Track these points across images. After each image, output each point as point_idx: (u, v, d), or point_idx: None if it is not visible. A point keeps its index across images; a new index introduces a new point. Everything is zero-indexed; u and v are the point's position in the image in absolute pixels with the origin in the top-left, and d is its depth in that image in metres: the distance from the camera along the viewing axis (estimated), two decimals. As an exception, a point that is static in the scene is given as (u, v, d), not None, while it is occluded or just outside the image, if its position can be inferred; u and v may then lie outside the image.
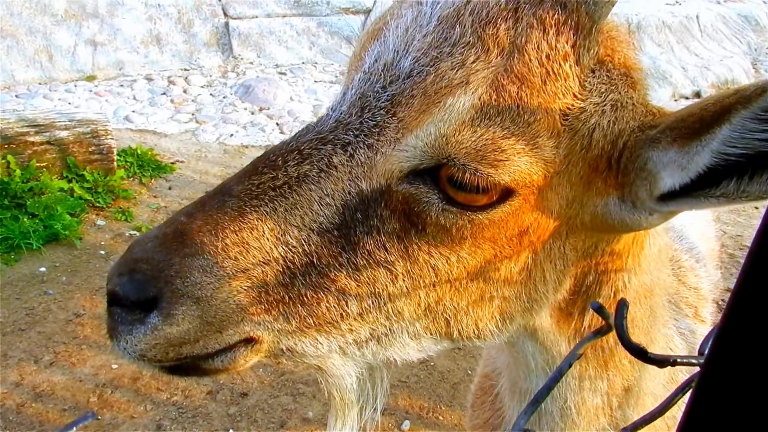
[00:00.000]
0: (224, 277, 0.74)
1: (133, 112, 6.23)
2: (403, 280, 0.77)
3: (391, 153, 0.74)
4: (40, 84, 6.74)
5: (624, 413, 0.98)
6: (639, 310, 0.91)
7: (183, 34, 7.33)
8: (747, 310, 0.42)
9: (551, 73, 0.70)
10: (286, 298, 0.77)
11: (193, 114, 6.31)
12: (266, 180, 0.76)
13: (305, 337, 0.80)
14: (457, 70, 0.72)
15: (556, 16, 0.71)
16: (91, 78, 6.96)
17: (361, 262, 0.76)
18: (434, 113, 0.72)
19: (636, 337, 0.83)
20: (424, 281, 0.77)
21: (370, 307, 0.79)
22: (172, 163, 4.99)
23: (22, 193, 4.03)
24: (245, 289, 0.76)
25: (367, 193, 0.75)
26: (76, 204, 4.12)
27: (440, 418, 2.78)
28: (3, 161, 4.07)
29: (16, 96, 6.37)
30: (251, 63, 7.29)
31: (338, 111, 0.79)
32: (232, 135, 5.92)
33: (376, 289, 0.77)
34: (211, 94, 6.70)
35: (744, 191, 0.70)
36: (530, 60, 0.71)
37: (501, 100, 0.70)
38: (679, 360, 0.71)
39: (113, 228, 4.08)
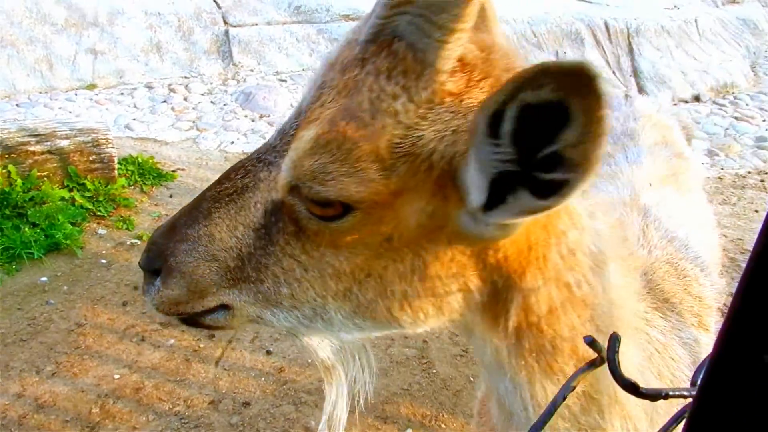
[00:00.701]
0: (199, 259, 1.02)
1: (134, 120, 6.24)
2: (312, 271, 0.97)
3: (281, 172, 0.95)
4: (40, 93, 6.76)
5: (593, 418, 1.00)
6: (569, 319, 0.95)
7: (183, 42, 7.34)
8: (738, 344, 0.41)
9: (380, 110, 0.84)
10: (242, 277, 1.01)
11: (193, 122, 6.32)
12: (224, 188, 1.00)
13: (264, 309, 1.03)
14: (317, 108, 0.90)
15: (388, 64, 0.85)
16: (91, 86, 6.97)
17: (280, 254, 0.97)
18: (294, 143, 0.92)
19: (566, 344, 0.93)
20: (327, 273, 0.95)
21: (297, 290, 0.99)
22: (173, 171, 4.99)
23: (24, 202, 4.03)
24: (214, 269, 1.02)
25: (276, 201, 0.96)
26: (77, 213, 4.12)
27: (443, 426, 2.77)
28: (4, 171, 4.07)
29: (17, 105, 6.39)
30: (251, 70, 7.30)
31: (272, 136, 1.00)
32: (233, 142, 5.93)
33: (297, 276, 0.97)
34: (211, 102, 6.72)
35: (526, 206, 0.79)
36: (362, 100, 0.86)
37: (332, 133, 0.86)
38: (671, 393, 0.71)
39: (114, 237, 4.08)
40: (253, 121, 6.40)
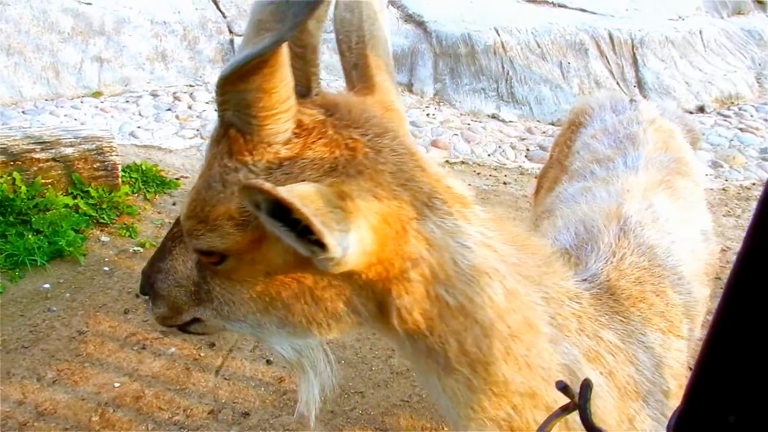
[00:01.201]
0: (170, 286, 1.23)
1: (139, 127, 6.27)
2: (235, 296, 1.14)
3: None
4: (46, 100, 6.80)
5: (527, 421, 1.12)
6: (450, 326, 1.07)
7: (188, 50, 7.39)
8: (704, 401, 0.41)
9: (227, 181, 1.03)
10: (200, 298, 1.20)
11: (198, 130, 6.35)
12: (178, 230, 1.19)
13: (223, 320, 1.21)
14: (198, 178, 1.10)
15: (228, 145, 1.03)
16: (97, 94, 7.01)
17: (212, 284, 1.17)
18: (181, 206, 1.14)
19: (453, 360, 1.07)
20: (244, 298, 1.13)
21: (234, 309, 1.16)
22: (177, 179, 5.01)
23: (28, 209, 4.05)
24: (182, 292, 1.23)
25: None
26: (80, 220, 4.13)
27: (443, 437, 2.76)
28: (9, 178, 4.09)
29: (23, 112, 6.43)
30: (256, 79, 7.33)
31: None
32: (236, 151, 5.95)
33: (228, 299, 1.16)
34: (215, 110, 6.75)
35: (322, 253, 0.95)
36: (215, 173, 1.05)
37: (197, 200, 1.06)
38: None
39: (117, 244, 4.09)
40: (257, 129, 6.43)
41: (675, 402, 1.20)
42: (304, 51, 1.11)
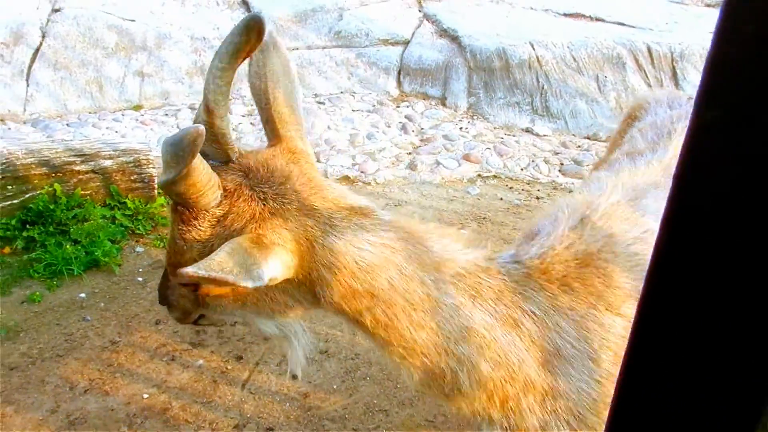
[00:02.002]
0: (177, 297, 1.68)
1: (176, 140, 6.40)
2: (217, 302, 1.60)
3: None
4: (90, 113, 7.02)
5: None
6: (360, 303, 1.45)
7: (226, 64, 7.53)
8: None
9: (185, 239, 1.45)
10: (199, 304, 1.63)
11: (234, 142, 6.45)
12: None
13: (220, 315, 1.68)
14: None
15: (180, 215, 1.44)
16: (137, 107, 7.21)
17: (201, 295, 1.60)
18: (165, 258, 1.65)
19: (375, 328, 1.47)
20: (222, 303, 1.58)
21: (223, 308, 1.61)
22: (211, 192, 5.09)
23: (67, 220, 4.17)
24: (186, 301, 1.66)
25: None
26: (117, 231, 4.24)
27: (468, 459, 2.72)
28: (50, 189, 4.23)
29: (67, 125, 6.65)
30: (291, 93, 7.42)
31: None
32: (270, 164, 6.03)
33: (216, 304, 1.61)
34: (251, 123, 6.86)
35: None
36: (174, 233, 1.50)
37: (170, 250, 1.56)
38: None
39: (151, 255, 4.18)
40: (290, 142, 6.50)
41: (605, 368, 1.50)
42: (217, 136, 1.45)
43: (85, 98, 7.09)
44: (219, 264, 1.27)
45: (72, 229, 4.12)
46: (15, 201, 4.11)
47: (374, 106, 7.28)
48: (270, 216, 1.41)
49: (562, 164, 6.20)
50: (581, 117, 7.29)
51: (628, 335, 0.55)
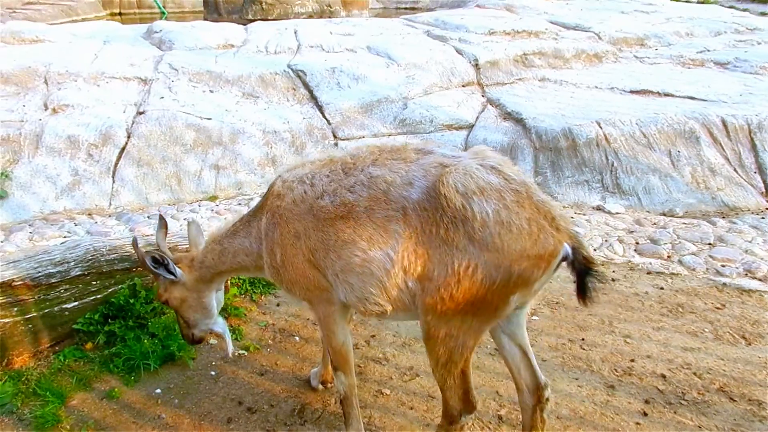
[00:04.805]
0: (180, 323, 3.60)
1: (249, 230, 6.59)
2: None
3: None
4: (169, 205, 7.39)
5: None
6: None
7: (296, 155, 7.84)
8: None
9: (164, 286, 3.50)
10: (180, 318, 3.56)
11: (302, 231, 6.58)
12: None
13: (191, 324, 3.53)
14: None
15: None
16: (213, 198, 7.54)
17: None
18: None
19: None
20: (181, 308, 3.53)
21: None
22: (282, 282, 5.14)
23: (146, 313, 4.30)
24: (180, 321, 3.57)
25: None
26: (191, 324, 4.30)
27: None
28: (131, 283, 4.39)
29: (148, 217, 7.00)
30: (358, 179, 7.59)
31: None
32: (338, 251, 6.08)
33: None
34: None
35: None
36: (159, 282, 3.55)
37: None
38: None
39: (223, 347, 4.20)
40: (358, 229, 6.56)
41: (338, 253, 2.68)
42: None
43: (165, 191, 7.49)
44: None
45: (150, 323, 4.23)
46: (98, 296, 4.29)
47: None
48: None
49: (637, 243, 5.95)
50: (655, 193, 7.05)
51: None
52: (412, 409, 3.47)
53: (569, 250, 2.42)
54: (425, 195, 2.44)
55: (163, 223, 3.46)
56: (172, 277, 3.27)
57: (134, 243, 3.35)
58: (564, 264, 2.47)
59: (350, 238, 2.55)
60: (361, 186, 2.59)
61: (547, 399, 2.76)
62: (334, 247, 2.61)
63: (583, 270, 2.46)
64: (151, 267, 3.20)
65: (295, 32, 11.15)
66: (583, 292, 2.50)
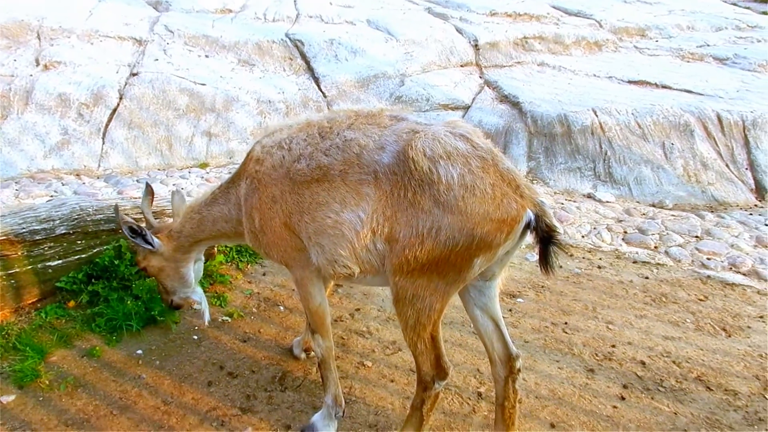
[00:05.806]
0: (160, 288, 3.68)
1: (238, 198, 6.56)
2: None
3: None
4: (159, 170, 7.33)
5: None
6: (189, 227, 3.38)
7: (289, 126, 7.77)
8: None
9: (139, 251, 3.58)
10: (159, 286, 3.66)
11: (292, 202, 6.55)
12: None
13: (169, 289, 3.60)
14: None
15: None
16: (203, 165, 7.48)
17: None
18: None
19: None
20: (159, 275, 3.62)
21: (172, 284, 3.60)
22: (269, 251, 5.12)
23: (130, 275, 4.27)
24: (159, 287, 3.67)
25: None
26: (176, 288, 4.28)
27: None
28: (116, 245, 4.35)
29: (137, 180, 6.94)
30: (351, 154, 7.55)
31: None
32: (327, 224, 6.06)
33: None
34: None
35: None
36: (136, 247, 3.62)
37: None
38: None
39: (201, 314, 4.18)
40: (348, 203, 6.54)
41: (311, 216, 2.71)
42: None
43: (156, 156, 7.42)
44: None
45: (134, 285, 4.20)
46: (83, 256, 4.25)
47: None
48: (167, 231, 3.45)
49: (625, 232, 5.98)
50: (646, 184, 7.08)
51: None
52: (392, 381, 3.49)
53: (532, 217, 2.45)
54: (395, 159, 2.49)
55: (149, 191, 3.51)
56: (149, 247, 3.32)
57: (116, 209, 3.42)
58: (529, 233, 2.51)
59: (324, 200, 2.61)
60: (336, 149, 2.64)
61: (519, 370, 2.81)
62: (309, 209, 2.65)
63: (546, 238, 2.49)
64: (129, 236, 3.27)
65: (295, 1, 10.99)
66: (545, 260, 2.53)
